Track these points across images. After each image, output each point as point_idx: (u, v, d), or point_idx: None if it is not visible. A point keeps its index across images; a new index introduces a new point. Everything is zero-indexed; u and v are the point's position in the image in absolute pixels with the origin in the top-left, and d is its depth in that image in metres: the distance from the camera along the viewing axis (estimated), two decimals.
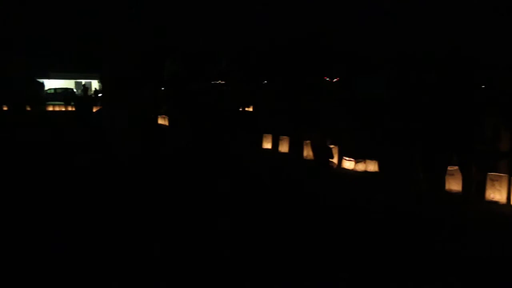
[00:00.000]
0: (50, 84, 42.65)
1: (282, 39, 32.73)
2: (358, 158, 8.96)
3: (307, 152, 10.24)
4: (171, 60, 35.91)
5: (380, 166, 8.80)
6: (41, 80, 39.34)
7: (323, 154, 9.60)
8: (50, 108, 30.63)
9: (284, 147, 11.29)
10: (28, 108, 25.93)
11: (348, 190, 7.46)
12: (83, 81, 44.17)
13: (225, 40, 37.69)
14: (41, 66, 39.41)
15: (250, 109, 22.43)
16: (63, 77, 44.07)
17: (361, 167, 8.93)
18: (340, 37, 28.92)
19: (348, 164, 9.15)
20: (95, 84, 43.59)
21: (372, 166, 8.86)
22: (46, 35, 38.52)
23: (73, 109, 27.17)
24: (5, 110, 25.90)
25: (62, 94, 36.88)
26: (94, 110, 21.38)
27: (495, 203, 6.39)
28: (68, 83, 43.40)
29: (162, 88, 25.09)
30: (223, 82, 30.85)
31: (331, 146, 9.56)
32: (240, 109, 20.85)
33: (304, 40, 28.00)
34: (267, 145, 11.85)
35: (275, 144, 11.58)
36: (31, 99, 30.05)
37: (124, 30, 35.03)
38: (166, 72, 27.98)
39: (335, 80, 18.40)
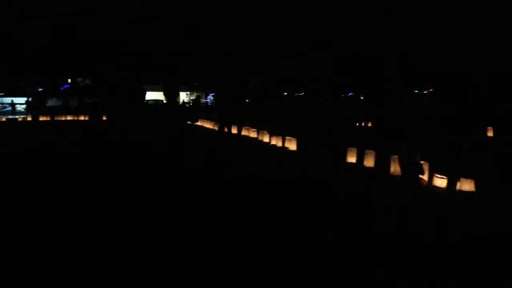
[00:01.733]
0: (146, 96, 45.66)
1: (366, 51, 32.00)
2: (451, 176, 8.34)
3: (395, 168, 9.78)
4: (253, 74, 36.83)
5: (476, 186, 8.11)
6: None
7: (412, 170, 9.08)
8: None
9: (369, 162, 10.90)
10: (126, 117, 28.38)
11: (442, 214, 6.95)
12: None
13: (309, 54, 37.70)
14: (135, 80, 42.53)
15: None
16: (155, 89, 47.01)
17: (454, 185, 8.30)
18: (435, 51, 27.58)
19: (440, 182, 8.56)
20: (183, 96, 45.91)
21: (467, 185, 8.20)
22: (143, 50, 41.51)
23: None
24: (104, 120, 28.63)
25: (153, 105, 39.43)
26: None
27: None
28: (158, 95, 46.20)
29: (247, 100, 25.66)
30: (301, 94, 30.92)
31: (421, 162, 9.01)
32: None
33: (396, 53, 27.14)
34: (352, 159, 11.53)
35: (360, 158, 11.22)
36: (134, 109, 32.69)
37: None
38: (251, 85, 28.64)
39: (425, 92, 17.52)
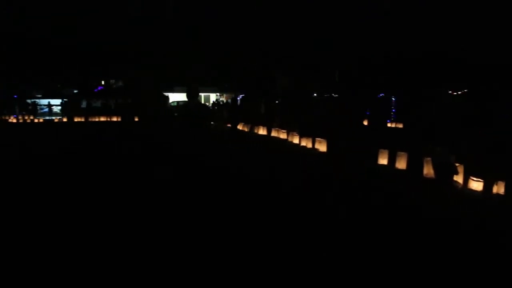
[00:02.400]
0: (174, 97, 46.42)
1: (403, 51, 31.45)
2: (488, 179, 8.09)
3: (428, 170, 9.58)
4: (282, 75, 36.82)
5: None
6: (166, 94, 43.24)
7: (446, 172, 8.89)
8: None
9: (401, 164, 10.71)
10: (155, 118, 28.95)
11: (479, 218, 6.77)
12: (202, 95, 47.37)
13: (338, 53, 37.39)
14: (167, 80, 43.35)
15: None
16: (184, 90, 47.63)
17: (491, 189, 8.05)
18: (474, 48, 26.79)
19: (476, 185, 8.32)
20: (213, 97, 46.37)
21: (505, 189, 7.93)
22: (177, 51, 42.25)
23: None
24: (137, 121, 29.30)
25: (183, 107, 39.96)
26: None
27: None
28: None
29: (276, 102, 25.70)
30: (335, 95, 30.68)
31: (456, 164, 8.81)
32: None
33: (432, 52, 26.54)
34: (383, 160, 11.36)
35: (392, 160, 11.05)
36: (158, 111, 33.45)
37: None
38: (280, 85, 28.70)
39: (460, 92, 17.07)
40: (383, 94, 27.73)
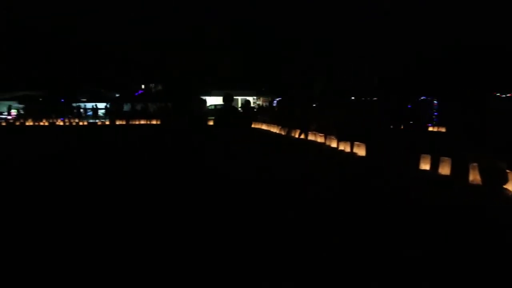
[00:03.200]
0: (211, 101, 47.03)
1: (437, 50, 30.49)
2: None
3: (474, 176, 9.12)
4: (319, 78, 36.48)
5: None
6: (204, 97, 43.88)
7: (494, 179, 8.46)
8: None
9: (445, 169, 10.28)
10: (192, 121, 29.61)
11: None
12: (239, 98, 47.72)
13: (377, 56, 36.71)
14: (204, 84, 44.01)
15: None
16: (221, 94, 48.24)
17: None
18: None
19: None
20: (250, 101, 46.64)
21: None
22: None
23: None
24: (174, 123, 30.01)
25: (218, 110, 40.43)
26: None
27: None
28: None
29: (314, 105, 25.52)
30: (375, 98, 30.07)
31: (507, 170, 8.34)
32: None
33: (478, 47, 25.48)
34: (425, 166, 10.95)
35: (435, 165, 10.62)
36: (195, 114, 34.04)
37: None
38: (316, 90, 28.51)
39: (509, 95, 16.29)
40: (424, 97, 26.91)
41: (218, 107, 43.11)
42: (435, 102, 26.75)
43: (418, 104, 27.12)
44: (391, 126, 25.00)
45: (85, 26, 44.06)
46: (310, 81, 33.39)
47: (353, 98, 35.58)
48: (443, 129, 23.97)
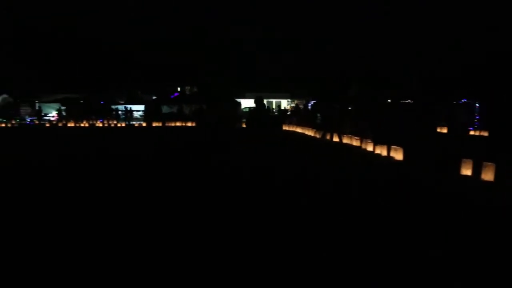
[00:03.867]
0: (245, 103, 47.29)
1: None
2: None
3: None
4: (355, 79, 35.97)
5: None
6: (238, 100, 44.19)
7: None
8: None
9: (488, 175, 9.87)
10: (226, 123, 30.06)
11: None
12: (273, 101, 47.78)
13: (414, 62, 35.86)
14: (240, 87, 44.36)
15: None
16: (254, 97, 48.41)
17: None
18: None
19: None
20: (284, 103, 46.55)
21: None
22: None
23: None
24: (209, 125, 30.55)
25: (250, 113, 40.61)
26: None
27: None
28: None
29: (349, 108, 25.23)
30: (411, 101, 29.39)
31: None
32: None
33: None
34: (467, 171, 10.56)
35: (477, 171, 10.23)
36: (230, 116, 34.43)
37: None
38: (354, 90, 28.19)
39: None
40: (465, 100, 26.00)
41: (250, 109, 43.41)
42: (476, 105, 25.81)
43: (458, 107, 26.25)
44: (429, 130, 24.35)
45: (117, 30, 45.43)
46: (348, 82, 32.99)
47: (389, 100, 34.88)
48: (485, 133, 23.06)
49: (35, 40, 44.27)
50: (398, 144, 13.84)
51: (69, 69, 44.49)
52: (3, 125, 37.18)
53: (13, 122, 38.90)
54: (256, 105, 36.51)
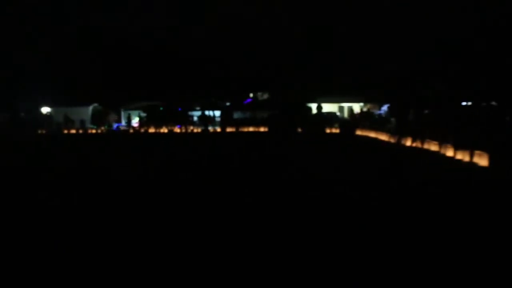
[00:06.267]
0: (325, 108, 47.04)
1: None
2: None
3: None
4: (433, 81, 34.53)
5: None
6: (308, 105, 44.21)
7: None
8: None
9: None
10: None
11: None
12: (345, 105, 47.25)
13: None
14: (310, 92, 44.39)
15: None
16: (328, 101, 48.04)
17: None
18: None
19: None
20: (356, 108, 45.85)
21: None
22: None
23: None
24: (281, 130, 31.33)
25: (326, 117, 40.49)
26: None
27: None
28: (332, 107, 46.93)
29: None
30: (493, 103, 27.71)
31: None
32: None
33: None
34: None
35: None
36: (299, 122, 34.79)
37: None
38: (431, 93, 27.22)
39: None
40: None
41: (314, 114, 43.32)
42: None
43: None
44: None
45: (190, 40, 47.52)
46: (425, 85, 31.77)
47: (470, 103, 33.02)
48: None
49: (123, 55, 47.76)
50: (482, 149, 13.27)
51: (151, 79, 47.32)
52: (94, 131, 40.64)
53: (102, 128, 42.30)
54: (318, 111, 37.56)
